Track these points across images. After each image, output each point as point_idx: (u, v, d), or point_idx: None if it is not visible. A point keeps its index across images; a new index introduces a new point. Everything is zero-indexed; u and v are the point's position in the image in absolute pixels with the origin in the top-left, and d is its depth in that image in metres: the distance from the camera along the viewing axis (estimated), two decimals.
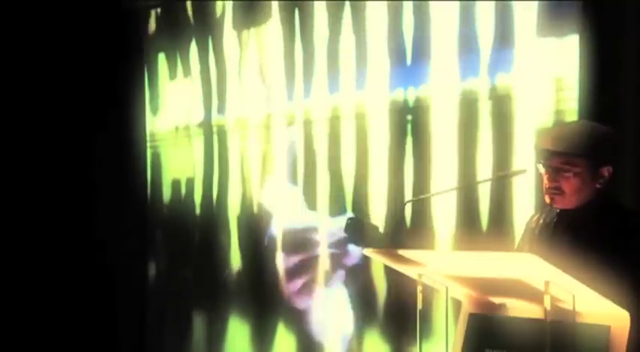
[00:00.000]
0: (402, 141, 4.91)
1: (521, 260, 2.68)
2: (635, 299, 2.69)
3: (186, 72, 6.25)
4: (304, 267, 5.43)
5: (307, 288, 5.43)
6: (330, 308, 5.31)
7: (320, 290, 5.36)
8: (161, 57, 6.45)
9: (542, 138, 3.02)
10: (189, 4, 6.22)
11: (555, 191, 2.93)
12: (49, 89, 6.45)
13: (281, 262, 5.60)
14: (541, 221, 3.09)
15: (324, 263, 5.33)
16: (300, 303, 5.46)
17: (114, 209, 6.56)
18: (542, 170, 2.97)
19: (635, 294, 2.71)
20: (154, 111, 6.51)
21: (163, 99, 6.45)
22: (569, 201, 2.94)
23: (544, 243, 3.00)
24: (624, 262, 2.78)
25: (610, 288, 2.64)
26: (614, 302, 2.61)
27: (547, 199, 2.97)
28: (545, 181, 2.96)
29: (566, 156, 2.90)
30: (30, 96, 6.40)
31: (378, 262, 4.19)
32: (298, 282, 5.49)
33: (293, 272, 5.52)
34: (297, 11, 5.48)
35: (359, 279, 5.13)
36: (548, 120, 4.23)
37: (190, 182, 6.25)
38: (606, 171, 2.94)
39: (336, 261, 5.27)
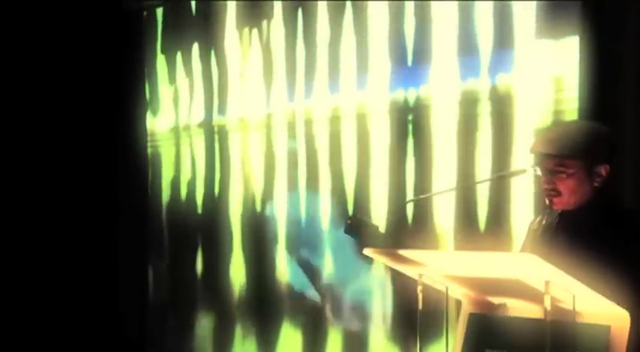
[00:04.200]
0: (402, 142, 4.92)
1: (521, 260, 2.69)
2: (635, 299, 2.70)
3: (188, 72, 6.25)
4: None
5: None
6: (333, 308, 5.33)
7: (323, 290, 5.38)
8: (162, 57, 6.45)
9: (535, 141, 3.04)
10: (190, 4, 6.22)
11: (552, 192, 2.95)
12: (48, 89, 6.45)
13: (284, 262, 5.61)
14: (543, 222, 3.10)
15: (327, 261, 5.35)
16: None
17: (114, 209, 6.57)
18: (539, 172, 2.98)
19: (635, 294, 2.72)
20: (155, 111, 6.51)
21: (164, 99, 6.45)
22: (568, 201, 2.95)
23: (546, 244, 3.01)
24: (624, 262, 2.79)
25: (610, 288, 2.65)
26: (615, 302, 2.61)
27: (546, 201, 2.99)
28: (543, 182, 2.97)
29: (559, 158, 2.92)
30: (29, 96, 6.40)
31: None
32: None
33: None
34: (299, 11, 5.49)
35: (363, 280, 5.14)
36: (548, 121, 4.24)
37: (192, 182, 6.25)
38: (603, 169, 2.95)
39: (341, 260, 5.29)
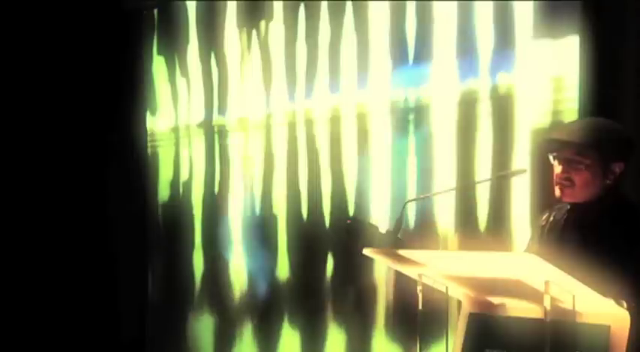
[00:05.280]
0: (403, 141, 4.92)
1: (521, 260, 2.68)
2: (636, 299, 2.70)
3: (187, 72, 6.25)
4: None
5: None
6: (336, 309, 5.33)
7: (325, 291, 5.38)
8: (162, 57, 6.45)
9: (555, 130, 3.03)
10: (190, 4, 6.22)
11: (566, 182, 2.93)
12: (47, 89, 6.44)
13: (285, 262, 5.62)
14: (551, 219, 3.09)
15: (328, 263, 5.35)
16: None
17: (114, 209, 6.57)
18: (553, 161, 2.97)
19: (636, 295, 2.72)
20: (154, 111, 6.52)
21: (164, 99, 6.45)
22: (579, 194, 2.94)
23: (553, 241, 3.01)
24: (630, 262, 2.79)
25: (614, 287, 2.65)
26: (617, 302, 2.62)
27: (557, 191, 2.96)
28: (557, 172, 2.96)
29: (578, 146, 2.91)
30: (28, 96, 6.40)
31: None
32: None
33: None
34: (299, 11, 5.49)
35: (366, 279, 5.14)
36: (547, 121, 4.24)
37: (191, 182, 6.26)
38: (617, 167, 2.94)
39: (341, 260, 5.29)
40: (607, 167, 2.93)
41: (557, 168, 2.96)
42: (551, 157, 2.98)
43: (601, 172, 2.93)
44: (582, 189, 2.94)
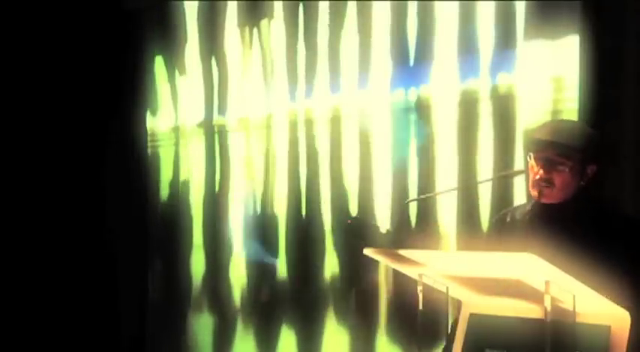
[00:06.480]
0: (405, 141, 4.92)
1: (521, 260, 2.68)
2: (637, 299, 2.71)
3: (187, 72, 6.25)
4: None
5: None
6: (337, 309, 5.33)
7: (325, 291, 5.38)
8: (162, 57, 6.45)
9: (539, 130, 3.04)
10: (190, 4, 6.22)
11: (546, 183, 2.95)
12: (47, 89, 6.45)
13: (284, 262, 5.62)
14: (508, 219, 3.12)
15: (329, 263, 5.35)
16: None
17: (115, 208, 6.57)
18: (532, 161, 2.98)
19: (629, 294, 2.73)
20: (154, 111, 6.52)
21: (164, 99, 6.45)
22: (557, 195, 2.96)
23: (520, 236, 3.02)
24: (606, 262, 2.79)
25: (595, 283, 2.66)
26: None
27: (534, 192, 2.98)
28: (539, 172, 2.96)
29: (563, 147, 2.92)
30: (28, 96, 6.40)
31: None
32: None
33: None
34: (299, 10, 5.49)
35: (367, 279, 5.14)
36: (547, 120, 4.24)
37: (191, 182, 6.26)
38: (590, 170, 2.97)
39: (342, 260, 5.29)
40: (583, 169, 2.96)
41: (541, 169, 2.96)
42: (529, 157, 2.99)
43: (578, 174, 2.95)
44: (560, 191, 2.96)
